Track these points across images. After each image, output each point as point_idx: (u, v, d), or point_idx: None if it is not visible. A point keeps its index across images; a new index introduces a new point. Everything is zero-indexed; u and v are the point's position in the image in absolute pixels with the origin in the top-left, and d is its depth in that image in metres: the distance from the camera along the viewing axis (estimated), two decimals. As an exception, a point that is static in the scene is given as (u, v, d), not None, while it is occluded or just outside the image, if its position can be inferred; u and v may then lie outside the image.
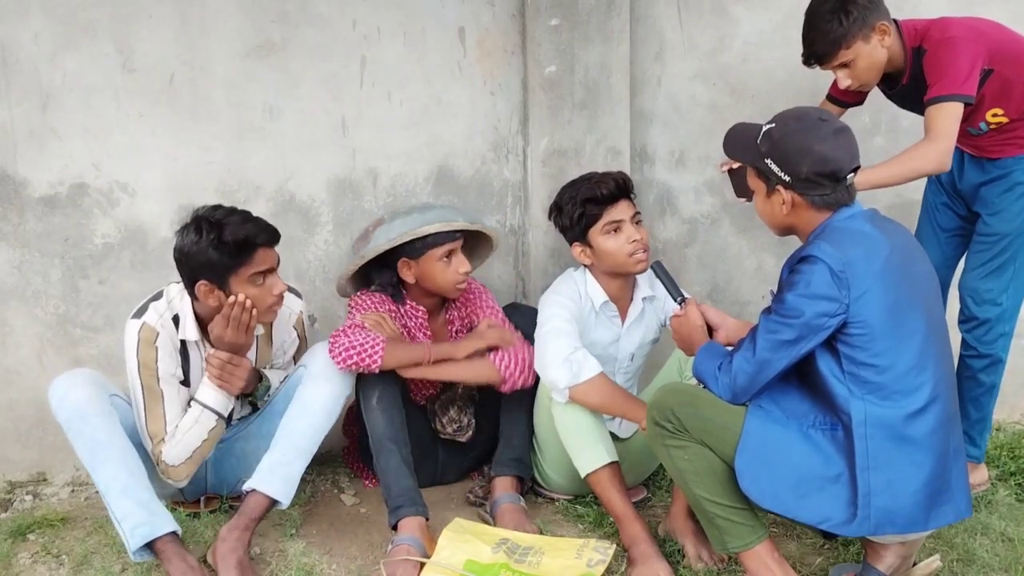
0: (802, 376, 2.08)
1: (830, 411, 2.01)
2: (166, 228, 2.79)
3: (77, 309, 2.81)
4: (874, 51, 2.48)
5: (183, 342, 2.43)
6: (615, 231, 2.56)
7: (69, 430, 2.29)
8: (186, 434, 2.37)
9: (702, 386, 2.14)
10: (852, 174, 2.05)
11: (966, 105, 2.42)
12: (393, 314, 2.64)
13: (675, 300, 2.38)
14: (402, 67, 2.92)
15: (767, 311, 2.04)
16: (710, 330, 2.30)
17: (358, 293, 2.68)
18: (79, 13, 2.67)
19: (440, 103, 2.97)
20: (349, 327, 2.51)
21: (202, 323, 2.43)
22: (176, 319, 2.41)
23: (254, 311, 2.34)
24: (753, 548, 2.09)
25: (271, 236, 2.36)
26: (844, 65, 2.51)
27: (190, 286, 2.35)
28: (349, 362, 2.44)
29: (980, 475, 2.79)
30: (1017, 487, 2.80)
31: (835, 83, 2.68)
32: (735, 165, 2.56)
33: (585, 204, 2.55)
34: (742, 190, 2.61)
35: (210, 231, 2.27)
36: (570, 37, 2.89)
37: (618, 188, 2.57)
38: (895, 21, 2.53)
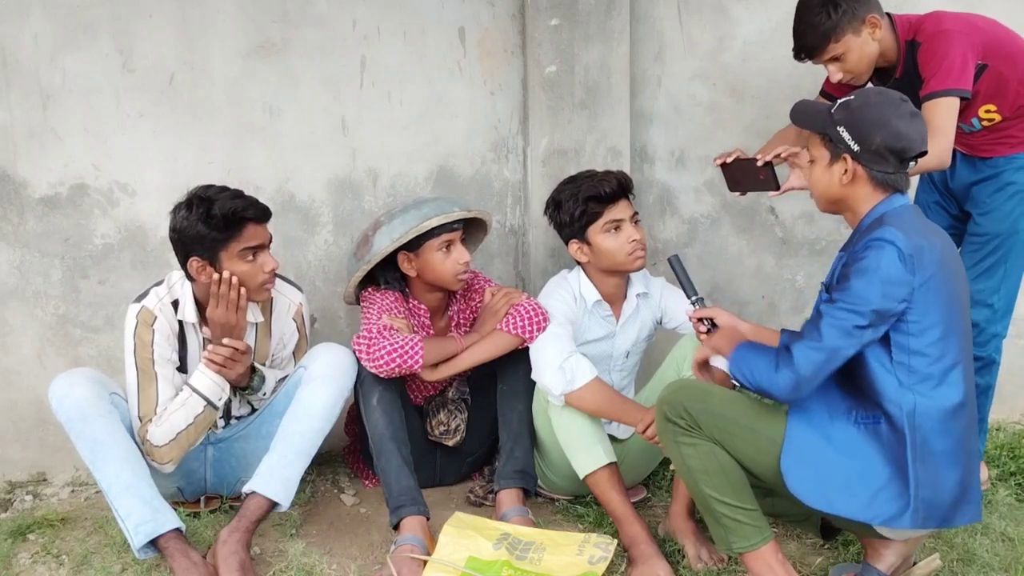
0: (840, 370, 2.03)
1: (871, 404, 1.99)
2: (166, 228, 2.77)
3: (77, 309, 2.81)
4: (865, 44, 2.48)
5: (181, 327, 2.44)
6: (615, 230, 2.56)
7: (70, 430, 2.30)
8: (172, 415, 2.36)
9: (737, 386, 2.11)
10: (914, 161, 2.06)
11: (962, 100, 2.42)
12: (403, 314, 2.64)
13: (688, 297, 2.36)
14: (402, 67, 2.92)
15: (829, 301, 1.99)
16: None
17: (369, 290, 2.66)
18: (79, 13, 2.67)
19: (440, 103, 2.97)
20: (381, 329, 2.47)
21: (201, 307, 2.44)
22: (176, 304, 2.43)
23: (242, 290, 2.35)
24: (758, 549, 2.09)
25: (260, 212, 2.38)
26: (835, 59, 2.50)
27: (184, 265, 2.37)
28: (392, 366, 2.43)
29: (980, 475, 2.78)
30: (1017, 487, 2.80)
31: (828, 78, 2.68)
32: (729, 159, 2.56)
33: (587, 202, 2.55)
34: (735, 183, 2.61)
35: (200, 206, 2.31)
36: (570, 37, 2.89)
37: (619, 187, 2.57)
38: (888, 15, 2.53)
